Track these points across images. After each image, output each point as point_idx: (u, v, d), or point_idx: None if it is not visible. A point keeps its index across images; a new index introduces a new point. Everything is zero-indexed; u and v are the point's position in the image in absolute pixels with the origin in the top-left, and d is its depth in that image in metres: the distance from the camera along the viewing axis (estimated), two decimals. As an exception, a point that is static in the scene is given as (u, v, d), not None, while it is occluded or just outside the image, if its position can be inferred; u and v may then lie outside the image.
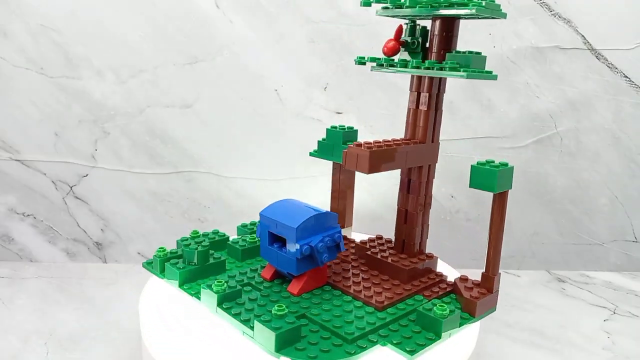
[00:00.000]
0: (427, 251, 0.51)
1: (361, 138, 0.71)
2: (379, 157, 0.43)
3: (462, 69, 0.41)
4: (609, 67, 0.68)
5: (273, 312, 0.38)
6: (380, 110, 0.70)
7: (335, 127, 0.54)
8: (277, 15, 0.67)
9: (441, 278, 0.48)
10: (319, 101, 0.70)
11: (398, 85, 0.69)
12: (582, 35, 0.67)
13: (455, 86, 0.69)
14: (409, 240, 0.49)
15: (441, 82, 0.47)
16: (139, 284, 0.68)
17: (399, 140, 0.46)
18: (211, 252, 0.50)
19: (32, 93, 0.68)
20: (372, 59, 0.46)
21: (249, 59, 0.68)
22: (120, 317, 0.60)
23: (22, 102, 0.69)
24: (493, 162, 0.43)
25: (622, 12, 0.67)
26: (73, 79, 0.68)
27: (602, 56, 0.68)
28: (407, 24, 0.46)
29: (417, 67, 0.43)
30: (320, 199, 0.70)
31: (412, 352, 0.37)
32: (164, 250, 0.49)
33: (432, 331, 0.40)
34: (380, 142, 0.44)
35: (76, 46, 0.67)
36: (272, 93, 0.70)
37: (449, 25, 0.44)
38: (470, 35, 0.67)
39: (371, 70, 0.46)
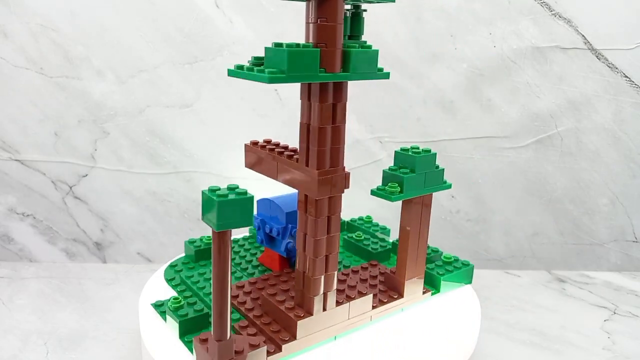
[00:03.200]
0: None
1: (361, 138, 0.72)
2: (252, 155, 0.42)
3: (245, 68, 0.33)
4: (609, 67, 0.68)
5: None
6: (380, 110, 0.70)
7: (407, 150, 0.44)
8: (277, 15, 0.67)
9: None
10: (319, 101, 0.70)
11: (398, 85, 0.69)
12: (583, 35, 0.67)
13: (456, 86, 0.69)
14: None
15: (311, 86, 0.36)
16: (139, 284, 0.68)
17: (290, 151, 0.41)
18: None
19: (32, 93, 0.68)
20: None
21: (249, 59, 0.68)
22: (120, 317, 0.60)
23: (22, 102, 0.69)
24: (234, 188, 0.33)
25: (622, 12, 0.67)
26: (73, 79, 0.68)
27: (603, 56, 0.68)
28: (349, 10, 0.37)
29: None
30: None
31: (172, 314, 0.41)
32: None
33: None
34: (286, 146, 0.41)
35: (76, 46, 0.67)
36: (272, 93, 0.70)
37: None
38: (471, 36, 0.67)
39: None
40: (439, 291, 0.49)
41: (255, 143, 0.42)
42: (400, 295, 0.46)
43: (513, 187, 0.73)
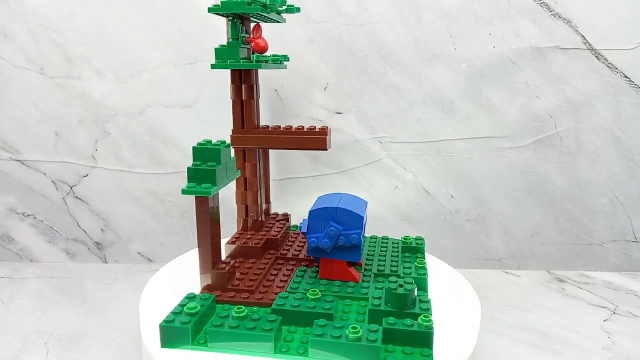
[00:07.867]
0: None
1: (361, 138, 0.72)
2: None
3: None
4: (609, 67, 0.68)
5: None
6: (380, 110, 0.70)
7: (204, 144, 0.45)
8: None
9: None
10: (319, 101, 0.70)
11: (398, 85, 0.69)
12: (582, 35, 0.67)
13: (456, 86, 0.69)
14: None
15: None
16: (139, 284, 0.68)
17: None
18: None
19: (32, 93, 0.68)
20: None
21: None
22: (120, 317, 0.60)
23: (22, 102, 0.69)
24: None
25: (622, 12, 0.67)
26: (73, 79, 0.68)
27: (602, 56, 0.68)
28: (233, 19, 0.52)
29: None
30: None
31: None
32: None
33: None
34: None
35: (76, 46, 0.67)
36: (272, 93, 0.70)
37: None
38: (471, 36, 0.67)
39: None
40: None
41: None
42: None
43: (513, 187, 0.73)
